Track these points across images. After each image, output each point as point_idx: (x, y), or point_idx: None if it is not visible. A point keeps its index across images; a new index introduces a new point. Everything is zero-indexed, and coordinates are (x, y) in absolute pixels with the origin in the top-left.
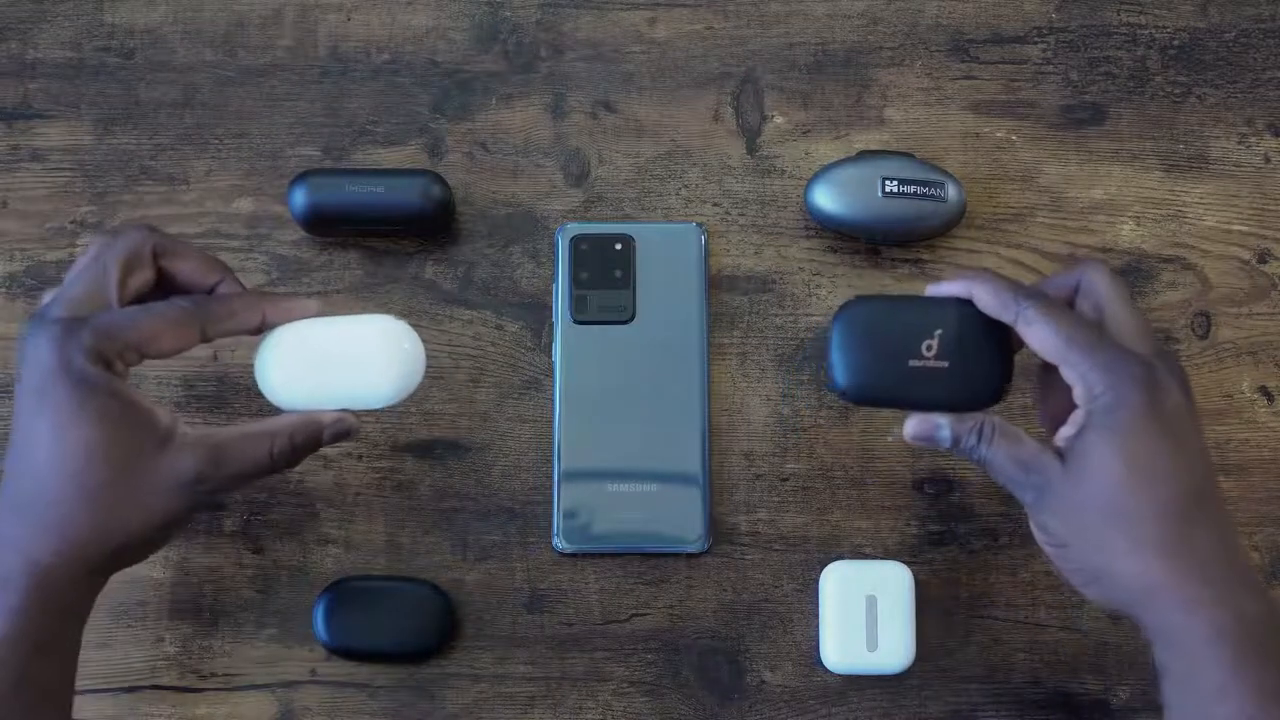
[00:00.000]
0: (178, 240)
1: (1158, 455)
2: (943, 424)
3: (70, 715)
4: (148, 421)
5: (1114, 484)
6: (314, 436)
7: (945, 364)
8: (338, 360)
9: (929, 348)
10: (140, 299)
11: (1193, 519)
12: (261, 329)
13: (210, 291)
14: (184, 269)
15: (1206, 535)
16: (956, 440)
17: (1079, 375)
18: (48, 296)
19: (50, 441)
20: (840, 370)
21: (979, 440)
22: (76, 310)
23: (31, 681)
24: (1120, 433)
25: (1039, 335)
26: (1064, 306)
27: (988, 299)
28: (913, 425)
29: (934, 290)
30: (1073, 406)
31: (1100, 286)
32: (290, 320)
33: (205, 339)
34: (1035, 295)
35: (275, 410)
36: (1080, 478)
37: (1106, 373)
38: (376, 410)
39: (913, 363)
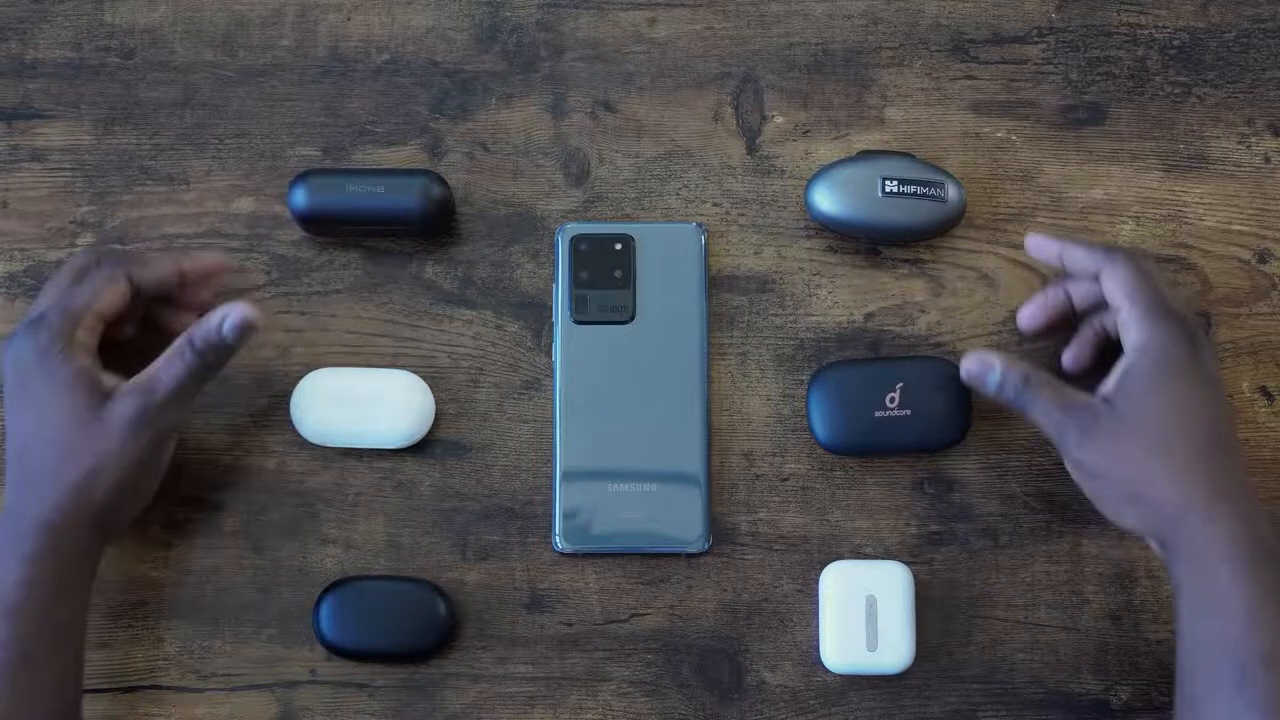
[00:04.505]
0: (136, 254)
1: (1196, 400)
2: (995, 365)
3: (83, 653)
4: (94, 384)
5: (1159, 420)
6: (214, 335)
7: (907, 412)
8: (361, 406)
9: (891, 400)
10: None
11: (1220, 454)
12: (183, 279)
13: (184, 281)
14: (154, 276)
15: (1231, 468)
16: (1002, 385)
17: (1135, 321)
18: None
19: (34, 423)
20: (820, 428)
21: (1025, 384)
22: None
23: (51, 619)
24: (1166, 378)
25: (1117, 278)
26: (1140, 264)
27: (1079, 253)
28: (968, 363)
29: (1033, 245)
30: (1098, 359)
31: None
32: (202, 270)
33: (136, 287)
34: (1119, 249)
35: (306, 445)
36: (1126, 415)
37: (1160, 325)
38: (393, 450)
39: (878, 414)
